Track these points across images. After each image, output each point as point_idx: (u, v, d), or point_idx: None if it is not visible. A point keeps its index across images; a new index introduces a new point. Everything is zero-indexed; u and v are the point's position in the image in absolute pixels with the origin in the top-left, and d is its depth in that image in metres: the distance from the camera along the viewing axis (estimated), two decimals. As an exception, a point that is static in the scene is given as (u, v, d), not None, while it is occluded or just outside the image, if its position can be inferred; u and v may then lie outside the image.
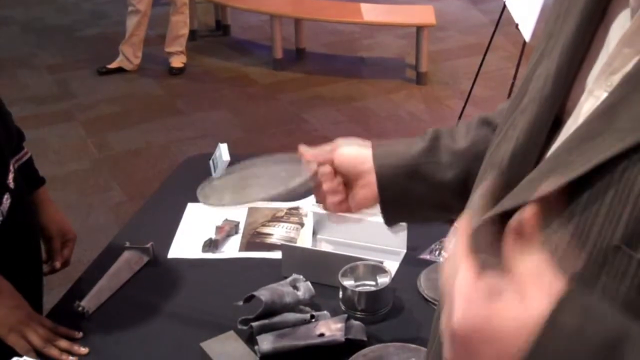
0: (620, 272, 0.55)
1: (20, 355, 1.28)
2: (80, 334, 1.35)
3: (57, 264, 1.65)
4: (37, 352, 1.30)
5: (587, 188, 0.57)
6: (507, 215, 0.63)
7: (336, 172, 1.09)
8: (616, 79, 0.60)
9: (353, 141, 1.10)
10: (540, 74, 0.68)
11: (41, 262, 1.64)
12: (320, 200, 1.12)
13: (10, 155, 1.50)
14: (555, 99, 0.65)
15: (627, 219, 0.54)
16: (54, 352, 1.30)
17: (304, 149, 1.11)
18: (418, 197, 1.04)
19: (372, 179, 1.05)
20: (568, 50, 0.65)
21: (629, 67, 0.59)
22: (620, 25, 0.62)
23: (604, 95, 0.60)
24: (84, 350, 1.31)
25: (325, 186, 1.09)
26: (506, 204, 0.63)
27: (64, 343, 1.32)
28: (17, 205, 1.46)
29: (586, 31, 0.64)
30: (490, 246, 0.65)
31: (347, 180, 1.09)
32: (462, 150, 1.02)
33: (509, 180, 0.66)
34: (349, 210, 1.11)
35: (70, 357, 1.30)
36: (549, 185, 0.59)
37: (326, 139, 1.12)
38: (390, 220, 1.08)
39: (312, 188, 1.10)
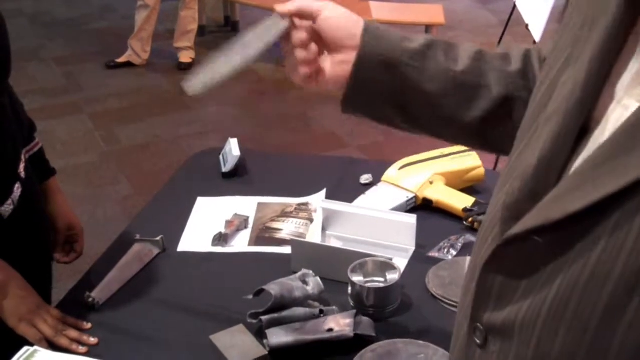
0: None
1: (32, 345, 1.29)
2: (89, 325, 1.36)
3: (57, 256, 1.66)
4: (48, 342, 1.31)
5: (617, 207, 0.55)
6: (532, 232, 0.61)
7: (314, 38, 0.98)
8: None
9: (342, 9, 0.99)
10: (566, 81, 0.65)
11: (50, 252, 1.65)
12: (289, 67, 1.01)
13: (22, 145, 1.51)
14: (583, 107, 0.62)
15: None
16: (64, 341, 1.31)
17: (280, 5, 0.98)
18: (389, 92, 0.97)
19: (353, 57, 0.96)
20: (598, 56, 0.62)
21: None
22: None
23: (634, 104, 0.58)
24: (93, 340, 1.32)
25: (298, 54, 0.98)
26: (530, 222, 0.61)
27: (73, 333, 1.33)
28: (28, 194, 1.47)
29: (617, 38, 0.62)
30: (513, 266, 0.64)
31: (325, 49, 0.99)
32: (451, 71, 0.96)
33: (533, 191, 0.63)
34: (316, 85, 1.01)
35: (80, 347, 1.30)
36: (577, 203, 0.57)
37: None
38: (349, 104, 1.00)
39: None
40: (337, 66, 0.98)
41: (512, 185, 0.67)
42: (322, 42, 0.98)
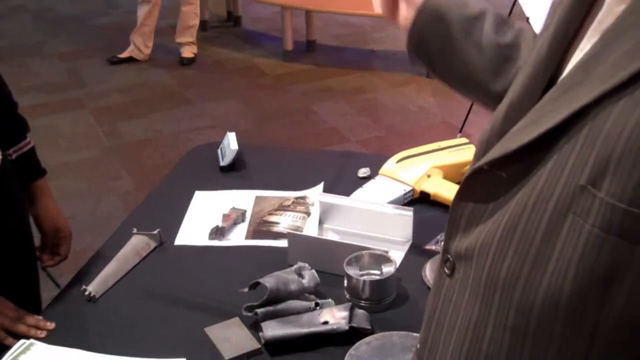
0: (585, 210, 0.58)
1: (28, 338, 1.29)
2: (52, 325, 1.36)
3: (45, 258, 1.64)
4: (7, 332, 1.33)
5: (563, 134, 0.61)
6: (494, 164, 0.68)
7: None
8: None
9: None
10: (540, 42, 0.72)
11: (34, 250, 1.62)
12: (376, 2, 1.13)
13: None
14: (551, 59, 0.69)
15: (593, 160, 0.57)
16: (22, 328, 1.33)
17: None
18: (439, 46, 1.01)
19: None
20: (565, 15, 0.69)
21: None
22: None
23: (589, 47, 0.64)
24: (50, 325, 1.34)
25: None
26: (493, 154, 0.68)
27: (31, 319, 1.34)
28: (5, 194, 1.46)
29: (583, 3, 0.68)
30: (480, 195, 0.70)
31: None
32: (495, 42, 1.00)
33: (503, 131, 0.70)
34: (394, 21, 1.09)
35: (39, 332, 1.32)
36: (529, 134, 0.63)
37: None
38: (410, 47, 1.04)
39: None
40: (410, 6, 1.04)
41: (487, 126, 0.74)
42: None
